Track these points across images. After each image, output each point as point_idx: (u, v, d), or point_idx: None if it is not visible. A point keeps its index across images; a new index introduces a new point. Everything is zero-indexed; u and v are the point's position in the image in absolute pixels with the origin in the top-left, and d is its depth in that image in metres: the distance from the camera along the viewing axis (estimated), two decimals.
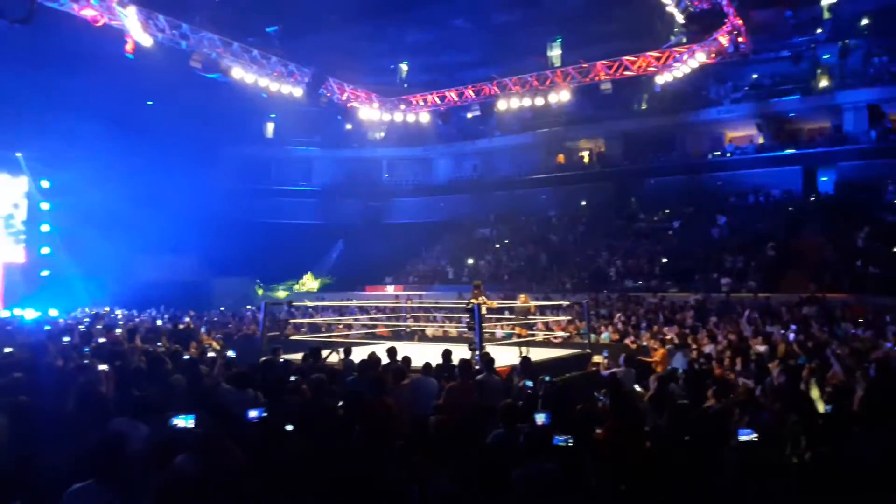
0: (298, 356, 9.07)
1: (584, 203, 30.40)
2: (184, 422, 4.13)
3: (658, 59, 21.20)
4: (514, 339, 13.06)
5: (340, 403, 5.98)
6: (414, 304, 16.61)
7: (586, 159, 32.96)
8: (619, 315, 16.66)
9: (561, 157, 33.23)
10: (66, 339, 10.01)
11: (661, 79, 21.55)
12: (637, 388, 8.13)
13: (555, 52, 31.56)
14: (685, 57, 20.62)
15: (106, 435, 3.72)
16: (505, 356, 10.10)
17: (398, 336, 14.89)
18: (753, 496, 3.95)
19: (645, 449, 5.00)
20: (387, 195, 35.75)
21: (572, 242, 27.49)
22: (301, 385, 6.53)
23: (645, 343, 12.77)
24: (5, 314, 18.59)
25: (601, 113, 29.50)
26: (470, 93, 24.30)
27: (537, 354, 10.60)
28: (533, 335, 13.68)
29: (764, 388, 7.25)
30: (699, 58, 20.48)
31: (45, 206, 23.92)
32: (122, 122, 21.88)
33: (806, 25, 26.52)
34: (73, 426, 5.08)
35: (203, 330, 14.55)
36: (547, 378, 7.20)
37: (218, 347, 11.58)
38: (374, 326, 16.40)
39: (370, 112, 25.74)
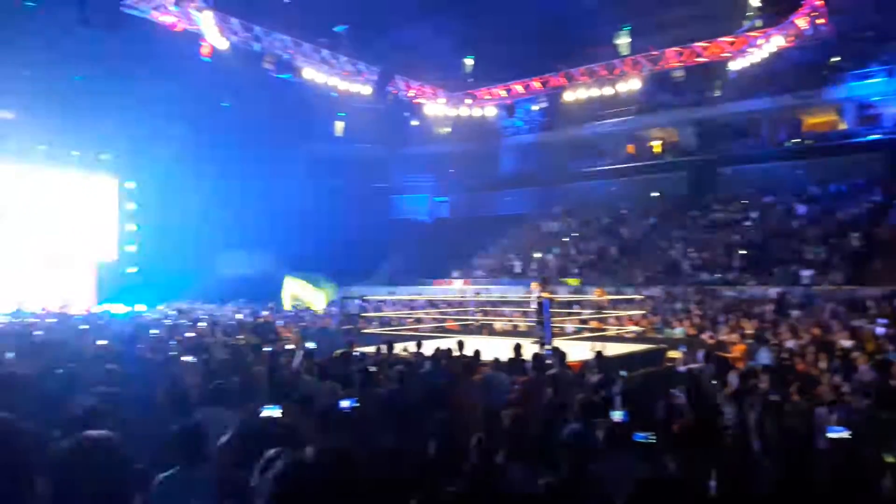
0: (371, 349, 9.27)
1: (656, 194, 29.69)
2: (271, 412, 4.27)
3: (732, 43, 20.49)
4: (586, 334, 12.93)
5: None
6: (482, 299, 16.67)
7: (658, 149, 32.14)
8: (695, 309, 16.23)
9: (631, 148, 32.52)
10: (155, 331, 10.52)
11: (736, 64, 20.82)
12: (715, 384, 7.92)
13: (623, 41, 30.86)
14: (760, 41, 19.84)
15: (188, 423, 3.88)
16: (576, 351, 10.02)
17: (466, 330, 14.98)
18: (848, 496, 3.80)
19: (727, 446, 4.88)
20: (453, 190, 35.88)
21: (644, 234, 26.91)
22: (379, 376, 6.66)
23: (723, 338, 12.41)
24: (97, 309, 19.64)
25: (673, 101, 28.69)
26: (536, 84, 24.13)
27: (610, 349, 10.46)
28: (605, 330, 13.50)
29: (851, 385, 6.96)
30: (776, 42, 19.67)
31: (130, 205, 25.15)
32: (199, 123, 22.73)
33: (890, 5, 25.03)
34: (162, 415, 5.34)
35: (281, 323, 15.02)
36: (623, 373, 7.10)
37: (296, 340, 11.92)
38: (444, 320, 16.55)
39: (436, 108, 25.90)
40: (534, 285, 14.01)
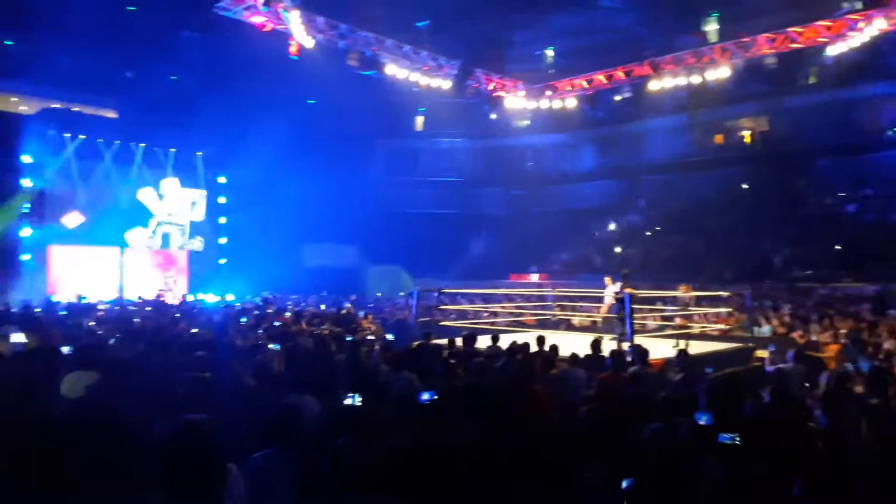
0: (447, 341, 9.36)
1: (744, 186, 28.49)
2: (351, 400, 4.41)
3: (829, 28, 19.35)
4: (668, 332, 12.59)
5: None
6: (560, 293, 16.49)
7: (747, 139, 30.81)
8: (785, 307, 15.53)
9: (719, 138, 31.32)
10: (244, 320, 10.98)
11: (834, 49, 19.66)
12: (806, 385, 7.57)
13: (711, 27, 29.67)
14: (861, 24, 18.65)
15: (284, 406, 4.05)
16: (658, 348, 9.78)
17: (544, 325, 14.87)
18: None
19: (816, 450, 4.66)
20: (531, 183, 35.58)
21: (732, 229, 25.89)
22: (458, 369, 6.72)
23: (815, 338, 11.83)
24: (190, 298, 20.68)
25: (764, 89, 27.40)
26: (620, 74, 23.58)
27: (694, 348, 10.16)
28: (689, 327, 13.12)
29: None
30: (878, 25, 18.43)
31: (221, 199, 26.31)
32: (287, 120, 23.47)
33: None
34: (251, 400, 5.59)
35: (361, 314, 15.36)
36: (709, 369, 6.89)
37: (376, 331, 12.18)
38: (520, 314, 16.50)
39: (515, 100, 25.75)
40: (607, 280, 13.80)
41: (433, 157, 36.19)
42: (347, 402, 4.36)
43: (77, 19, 20.29)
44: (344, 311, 15.78)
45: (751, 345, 11.30)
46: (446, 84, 23.13)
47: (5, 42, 21.72)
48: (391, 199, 32.50)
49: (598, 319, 14.02)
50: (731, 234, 25.45)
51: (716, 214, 27.45)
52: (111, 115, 24.47)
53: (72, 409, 3.01)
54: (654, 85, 22.85)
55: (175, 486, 1.93)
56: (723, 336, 13.10)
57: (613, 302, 13.24)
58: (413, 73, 22.10)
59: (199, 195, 25.76)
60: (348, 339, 9.28)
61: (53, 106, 22.73)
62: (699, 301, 15.75)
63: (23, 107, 23.66)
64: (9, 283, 19.21)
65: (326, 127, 26.36)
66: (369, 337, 9.67)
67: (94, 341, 8.20)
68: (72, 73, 21.33)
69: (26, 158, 20.82)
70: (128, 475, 1.52)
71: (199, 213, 25.79)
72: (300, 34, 18.33)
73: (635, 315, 11.05)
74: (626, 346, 9.61)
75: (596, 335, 10.89)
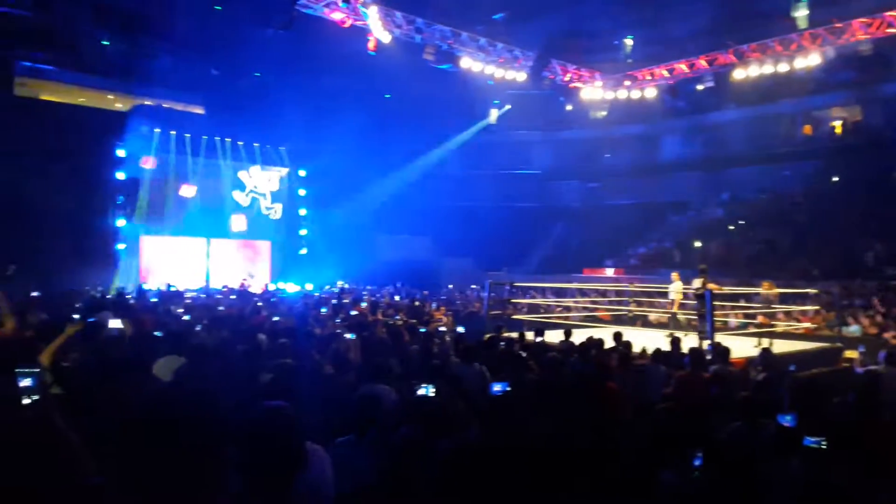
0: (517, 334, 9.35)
1: (835, 179, 27.04)
2: (425, 391, 4.48)
3: None
4: (751, 330, 12.14)
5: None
6: (636, 288, 16.14)
7: (838, 130, 29.22)
8: (877, 306, 14.70)
9: (808, 129, 29.84)
10: (324, 310, 11.30)
11: None
12: None
13: (801, 13, 28.12)
14: None
15: (363, 395, 4.16)
16: (740, 347, 9.47)
17: (619, 320, 14.61)
18: None
19: None
20: (607, 175, 34.92)
21: (820, 224, 24.63)
22: (529, 363, 6.71)
23: None
24: (272, 287, 21.39)
25: (857, 77, 25.90)
26: (702, 63, 22.80)
27: (778, 347, 9.78)
28: (772, 326, 12.61)
29: None
30: None
31: (302, 192, 27.09)
32: (363, 114, 23.90)
33: None
34: (329, 387, 5.76)
35: (434, 306, 15.52)
36: (792, 367, 6.62)
37: (448, 323, 12.28)
38: (594, 309, 16.26)
39: (592, 91, 25.32)
40: (674, 276, 13.43)
41: (508, 150, 36.02)
42: (421, 392, 4.44)
43: (167, 20, 21.31)
44: (417, 303, 15.98)
45: (839, 345, 10.78)
46: (521, 76, 22.98)
47: (103, 42, 23.00)
48: (465, 192, 32.61)
49: (678, 316, 13.65)
50: (819, 229, 24.22)
51: (803, 208, 26.18)
52: (199, 111, 25.56)
53: (163, 392, 3.18)
54: (738, 74, 21.97)
55: (253, 468, 2.01)
56: (809, 335, 12.54)
57: (680, 298, 12.92)
58: (488, 66, 22.07)
59: (278, 172, 26.62)
60: (422, 330, 9.40)
61: (146, 103, 23.96)
62: (784, 299, 15.09)
63: (118, 104, 25.03)
64: (105, 271, 20.39)
65: (402, 121, 26.69)
66: (441, 328, 9.76)
67: (181, 328, 8.62)
68: (162, 72, 22.39)
69: (121, 153, 22.04)
70: (210, 458, 1.61)
71: (275, 185, 26.59)
72: (378, 29, 18.60)
73: (716, 312, 10.72)
74: (706, 344, 9.35)
75: (674, 332, 10.64)
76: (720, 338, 10.02)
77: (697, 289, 11.69)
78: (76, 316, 8.30)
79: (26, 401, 2.45)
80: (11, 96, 21.10)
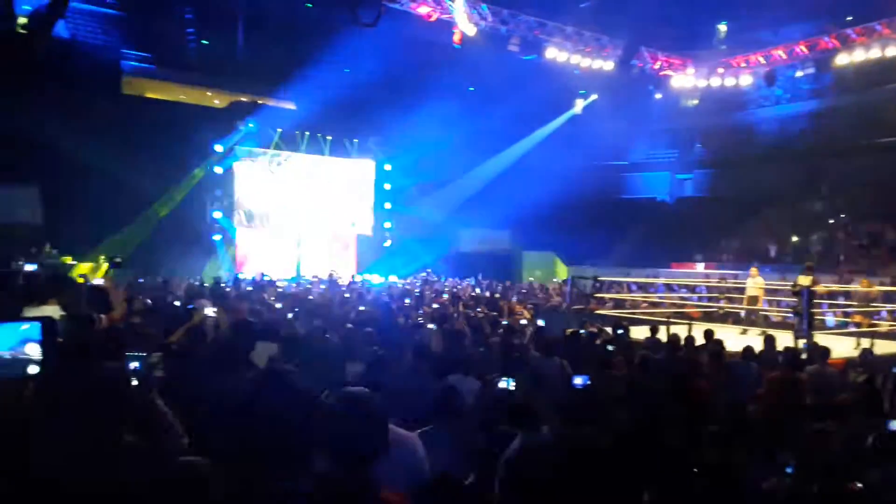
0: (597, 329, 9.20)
1: None
2: (505, 384, 4.50)
3: None
4: (851, 329, 11.47)
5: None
6: (729, 284, 15.53)
7: None
8: None
9: None
10: (407, 301, 11.51)
11: None
12: None
13: None
14: None
15: (448, 387, 4.24)
16: (839, 347, 8.98)
17: (709, 317, 14.12)
18: None
19: None
20: (698, 167, 33.65)
21: None
22: (614, 359, 6.62)
23: None
24: (358, 279, 21.93)
25: None
26: (802, 49, 21.61)
27: (881, 347, 9.20)
28: (876, 325, 11.87)
29: None
30: None
31: (387, 186, 27.58)
32: (447, 107, 24.03)
33: None
34: (412, 377, 5.87)
35: (514, 299, 15.48)
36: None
37: (528, 317, 12.23)
38: (683, 306, 15.77)
39: (684, 79, 24.49)
40: (753, 271, 12.89)
41: (593, 141, 35.29)
42: (502, 385, 4.47)
43: (260, 17, 22.11)
44: (498, 296, 15.98)
45: None
46: (609, 65, 22.49)
47: (202, 42, 24.14)
48: (549, 184, 32.18)
49: (772, 314, 13.08)
50: None
51: None
52: (290, 106, 26.41)
53: (259, 376, 3.35)
54: (841, 59, 20.68)
55: (336, 451, 2.09)
56: None
57: (760, 294, 12.40)
58: (574, 56, 21.73)
59: (365, 166, 27.28)
60: (503, 323, 9.42)
61: (242, 99, 25.00)
62: (889, 297, 14.15)
63: (216, 100, 26.21)
64: (202, 261, 21.49)
65: (486, 113, 26.64)
66: (522, 322, 9.74)
67: (274, 316, 8.99)
68: (256, 68, 23.27)
69: (218, 147, 23.12)
70: (295, 439, 1.69)
71: (362, 178, 27.23)
72: (463, 22, 18.66)
73: (813, 310, 10.20)
74: (801, 343, 8.93)
75: (767, 331, 10.19)
76: (818, 338, 9.53)
77: (805, 286, 11.14)
78: (177, 303, 8.80)
79: (135, 382, 2.66)
80: (119, 95, 22.48)
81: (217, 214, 23.02)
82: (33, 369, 2.67)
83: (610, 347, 6.94)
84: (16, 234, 17.56)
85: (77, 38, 20.99)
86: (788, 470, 3.42)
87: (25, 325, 2.72)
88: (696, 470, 3.61)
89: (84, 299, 5.27)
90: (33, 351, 2.69)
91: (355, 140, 26.41)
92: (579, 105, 32.38)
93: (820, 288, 11.57)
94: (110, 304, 5.20)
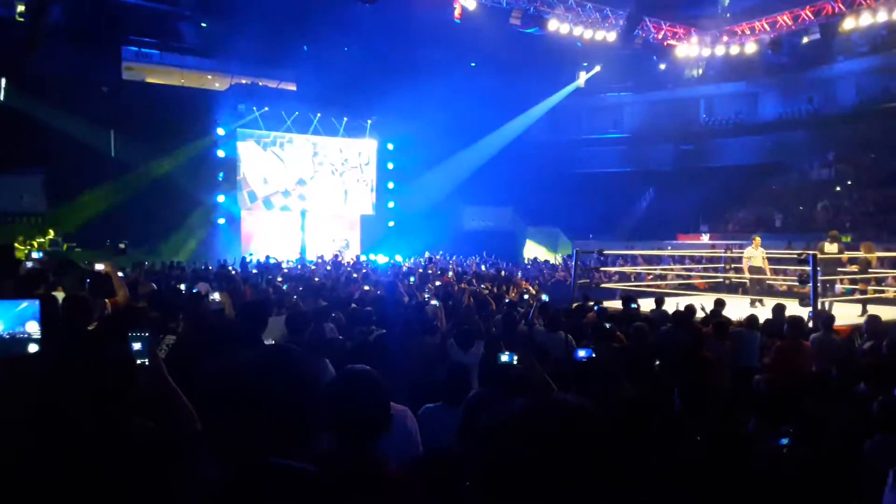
0: (609, 304, 9.20)
1: None
2: (507, 358, 4.50)
3: None
4: (857, 296, 11.43)
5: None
6: (735, 255, 15.46)
7: None
8: None
9: None
10: (412, 279, 11.53)
11: None
12: None
13: None
14: None
15: (456, 364, 4.25)
16: (845, 314, 8.97)
17: (716, 288, 14.08)
18: None
19: None
20: (703, 137, 33.32)
21: None
22: (616, 332, 6.63)
23: None
24: (363, 258, 21.98)
25: None
26: (807, 14, 21.26)
27: (888, 314, 9.17)
28: (882, 291, 11.83)
29: None
30: None
31: (390, 165, 27.50)
32: (449, 84, 23.86)
33: None
34: (416, 352, 5.90)
35: (519, 275, 15.48)
36: None
37: (534, 292, 12.24)
38: (689, 277, 15.74)
39: (688, 48, 24.17)
40: (756, 239, 12.76)
41: (597, 114, 35.05)
42: (504, 359, 4.47)
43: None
44: (503, 273, 15.98)
45: None
46: (612, 36, 22.22)
47: (201, 24, 23.97)
48: (552, 159, 32.01)
49: (779, 283, 13.01)
50: None
51: None
52: (291, 87, 26.29)
53: (262, 354, 3.36)
54: (847, 24, 20.34)
55: (338, 428, 2.10)
56: None
57: (765, 265, 12.31)
58: (577, 27, 21.46)
59: (367, 145, 27.15)
60: (507, 300, 9.43)
61: (242, 82, 24.89)
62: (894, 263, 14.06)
63: (216, 83, 26.11)
64: (207, 244, 21.56)
65: (488, 89, 26.44)
66: (526, 297, 9.75)
67: (280, 297, 9.03)
68: (256, 50, 23.14)
69: (220, 131, 23.07)
70: (297, 417, 1.71)
71: (365, 158, 27.19)
72: None
73: (820, 278, 10.15)
74: (807, 311, 8.91)
75: (779, 300, 10.15)
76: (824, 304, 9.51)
77: (835, 255, 11.09)
78: (182, 287, 8.84)
79: (139, 361, 2.68)
80: (120, 80, 22.41)
81: (220, 198, 23.03)
82: (33, 348, 2.70)
83: (609, 323, 6.93)
84: (20, 222, 17.67)
85: (77, 23, 20.89)
86: (784, 441, 3.42)
87: (25, 304, 2.74)
88: (698, 438, 3.62)
89: (86, 284, 5.29)
90: (33, 329, 2.72)
91: (358, 119, 26.28)
92: (583, 77, 32.08)
93: (844, 256, 11.45)
94: (112, 289, 5.22)
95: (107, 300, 5.10)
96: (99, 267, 5.49)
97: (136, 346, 2.74)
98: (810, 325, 7.87)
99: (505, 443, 1.28)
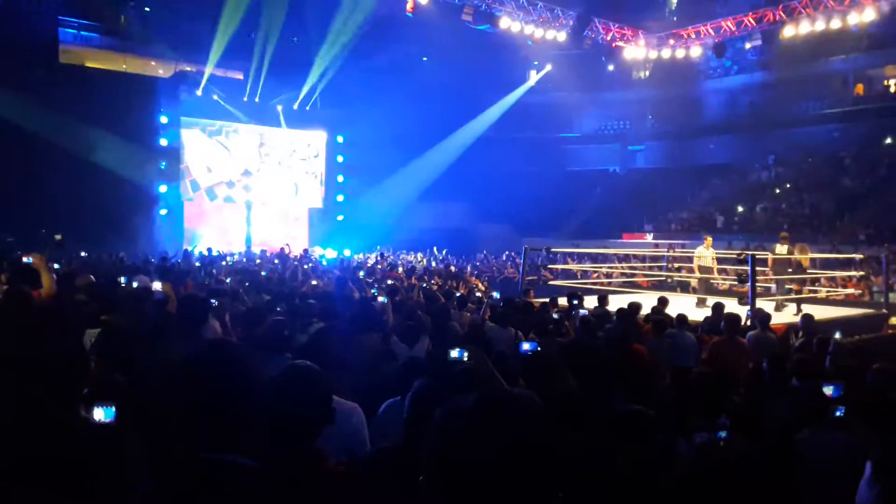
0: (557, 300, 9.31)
1: (888, 141, 26.00)
2: (458, 354, 4.50)
3: None
4: (792, 296, 11.89)
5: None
6: (677, 254, 15.89)
7: (893, 89, 27.98)
8: None
9: (860, 88, 28.64)
10: (362, 274, 11.45)
11: None
12: None
13: None
14: None
15: (411, 360, 4.23)
16: (781, 313, 9.31)
17: (659, 287, 14.44)
18: None
19: None
20: (649, 138, 34.13)
21: (869, 187, 23.80)
22: (563, 325, 6.72)
23: None
24: (313, 251, 21.63)
25: None
26: (750, 21, 21.96)
27: (821, 313, 9.58)
28: (815, 292, 12.33)
29: None
30: None
31: (339, 158, 27.20)
32: (401, 78, 23.73)
33: None
34: (361, 348, 5.85)
35: (469, 271, 15.55)
36: (836, 334, 6.50)
37: (483, 289, 12.32)
38: (633, 275, 16.10)
39: (635, 51, 24.66)
40: (707, 240, 13.04)
41: (546, 113, 35.40)
42: (454, 354, 4.47)
43: None
44: (453, 269, 16.03)
45: (884, 311, 10.50)
46: (562, 36, 22.49)
47: (145, 9, 23.21)
48: (502, 157, 32.22)
49: (720, 282, 13.39)
50: (869, 193, 23.41)
51: (852, 171, 25.30)
52: (238, 76, 25.70)
53: (200, 349, 3.27)
54: (788, 31, 21.09)
55: (278, 422, 2.08)
56: (854, 302, 12.24)
57: (713, 266, 12.61)
58: (528, 26, 21.65)
59: (316, 138, 26.82)
60: (457, 294, 9.46)
61: (187, 69, 24.19)
62: (828, 264, 14.69)
63: (160, 70, 25.33)
64: (147, 236, 20.90)
65: (440, 84, 26.42)
66: (477, 293, 9.81)
67: (225, 290, 8.82)
68: (202, 37, 22.52)
69: (163, 119, 22.40)
70: (234, 412, 1.67)
71: (314, 150, 26.90)
72: None
73: (758, 278, 10.52)
74: (745, 309, 9.22)
75: (718, 299, 10.46)
76: (762, 304, 9.85)
77: (740, 253, 11.43)
78: (122, 280, 8.55)
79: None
80: (57, 64, 21.51)
81: (163, 188, 22.37)
82: None
83: (556, 317, 7.02)
84: None
85: (10, 3, 19.95)
86: (721, 434, 3.51)
87: None
88: (644, 437, 3.69)
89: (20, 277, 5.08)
90: None
91: (307, 109, 25.88)
92: (533, 77, 32.37)
93: (802, 258, 11.77)
94: (40, 281, 5.02)
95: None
96: (27, 259, 5.27)
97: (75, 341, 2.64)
98: (748, 323, 8.14)
99: (463, 436, 1.30)
